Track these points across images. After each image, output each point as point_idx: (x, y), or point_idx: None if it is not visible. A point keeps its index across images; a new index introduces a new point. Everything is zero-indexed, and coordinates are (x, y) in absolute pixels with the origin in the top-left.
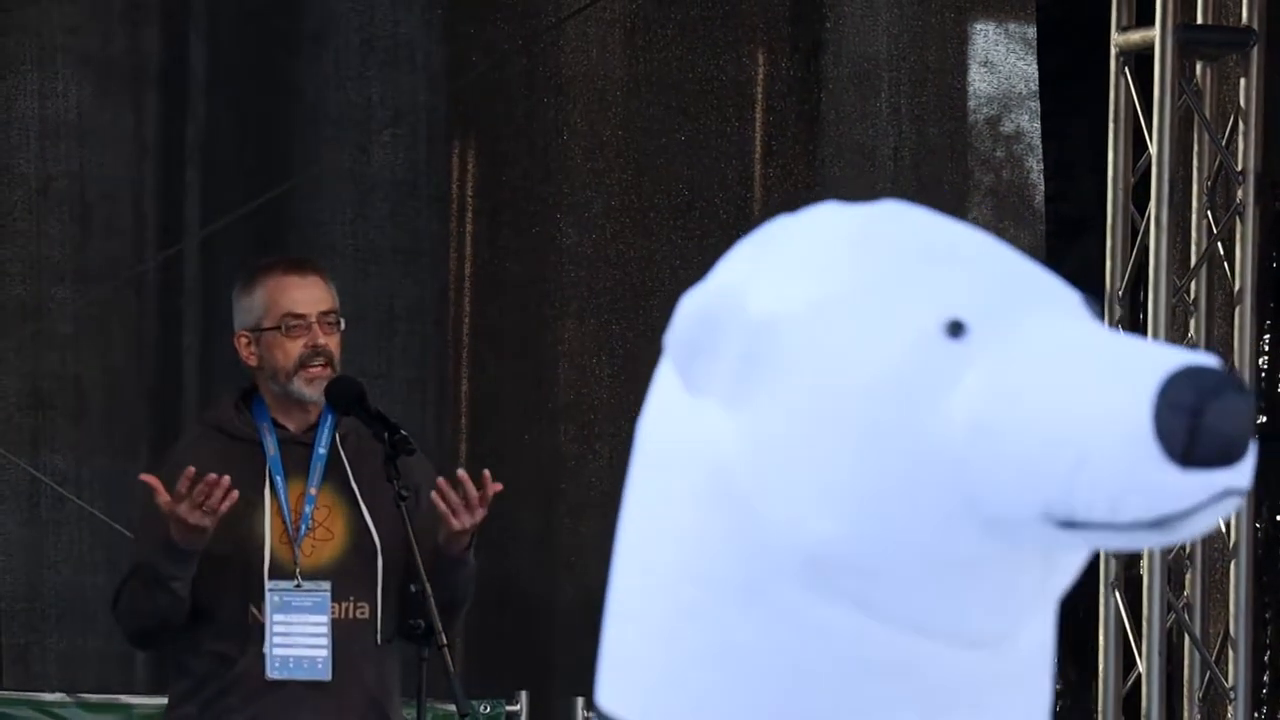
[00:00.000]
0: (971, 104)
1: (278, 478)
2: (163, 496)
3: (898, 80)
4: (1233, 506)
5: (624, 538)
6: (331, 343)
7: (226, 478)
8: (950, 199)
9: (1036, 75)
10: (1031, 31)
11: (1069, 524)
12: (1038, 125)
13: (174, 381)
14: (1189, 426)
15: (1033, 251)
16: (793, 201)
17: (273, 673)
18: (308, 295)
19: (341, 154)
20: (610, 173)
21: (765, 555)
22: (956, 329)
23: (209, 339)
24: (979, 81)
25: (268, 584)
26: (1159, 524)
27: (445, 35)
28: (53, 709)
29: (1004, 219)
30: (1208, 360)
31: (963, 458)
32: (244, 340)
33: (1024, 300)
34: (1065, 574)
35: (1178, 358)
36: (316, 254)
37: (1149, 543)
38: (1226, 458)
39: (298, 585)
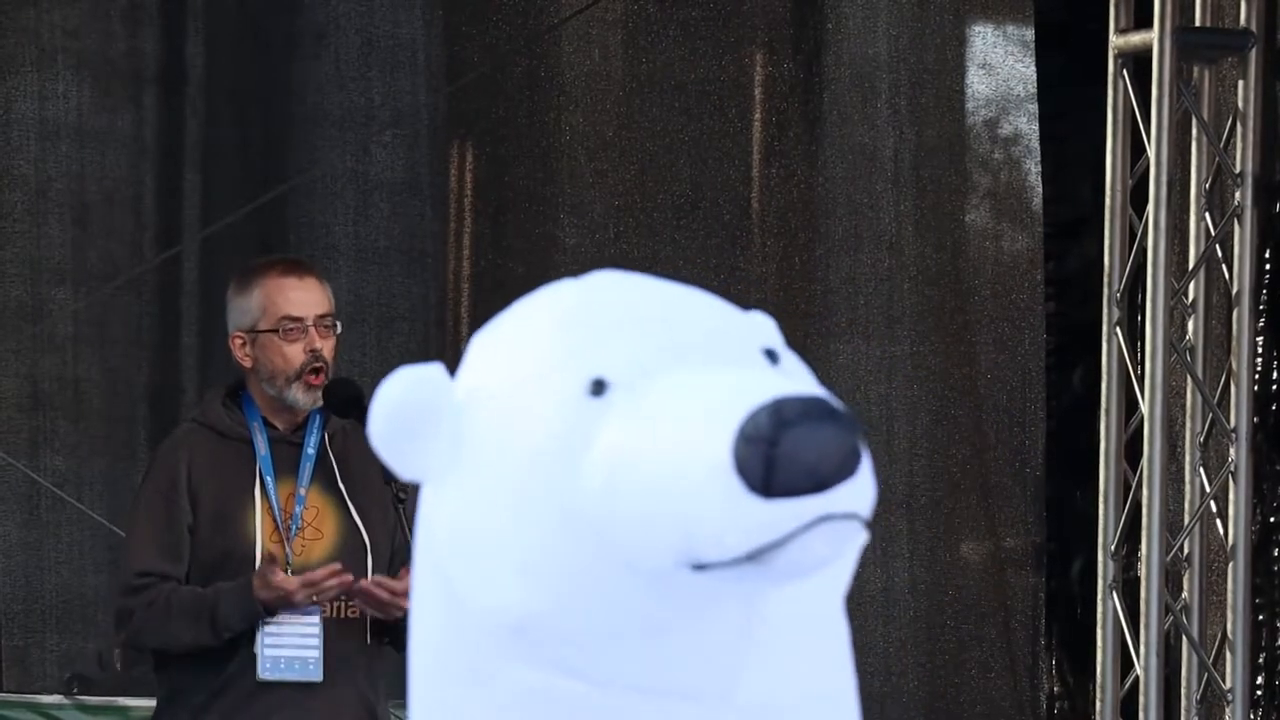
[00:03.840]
0: (969, 106)
1: (268, 478)
2: (278, 577)
3: (898, 82)
4: (850, 532)
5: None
6: (327, 347)
7: (349, 577)
8: (949, 201)
9: (1035, 78)
10: (1030, 34)
11: (700, 567)
12: (1036, 127)
13: (174, 383)
14: (765, 457)
15: (1031, 254)
16: (795, 201)
17: (264, 674)
18: (305, 298)
19: (342, 155)
20: (612, 173)
21: (478, 634)
22: (599, 387)
23: (209, 340)
24: (977, 84)
25: None
26: (756, 556)
27: (446, 36)
28: (51, 711)
29: (1002, 221)
30: (803, 391)
31: (600, 515)
32: (239, 341)
33: (676, 355)
34: (778, 625)
35: (767, 393)
36: (317, 255)
37: (767, 579)
38: (813, 485)
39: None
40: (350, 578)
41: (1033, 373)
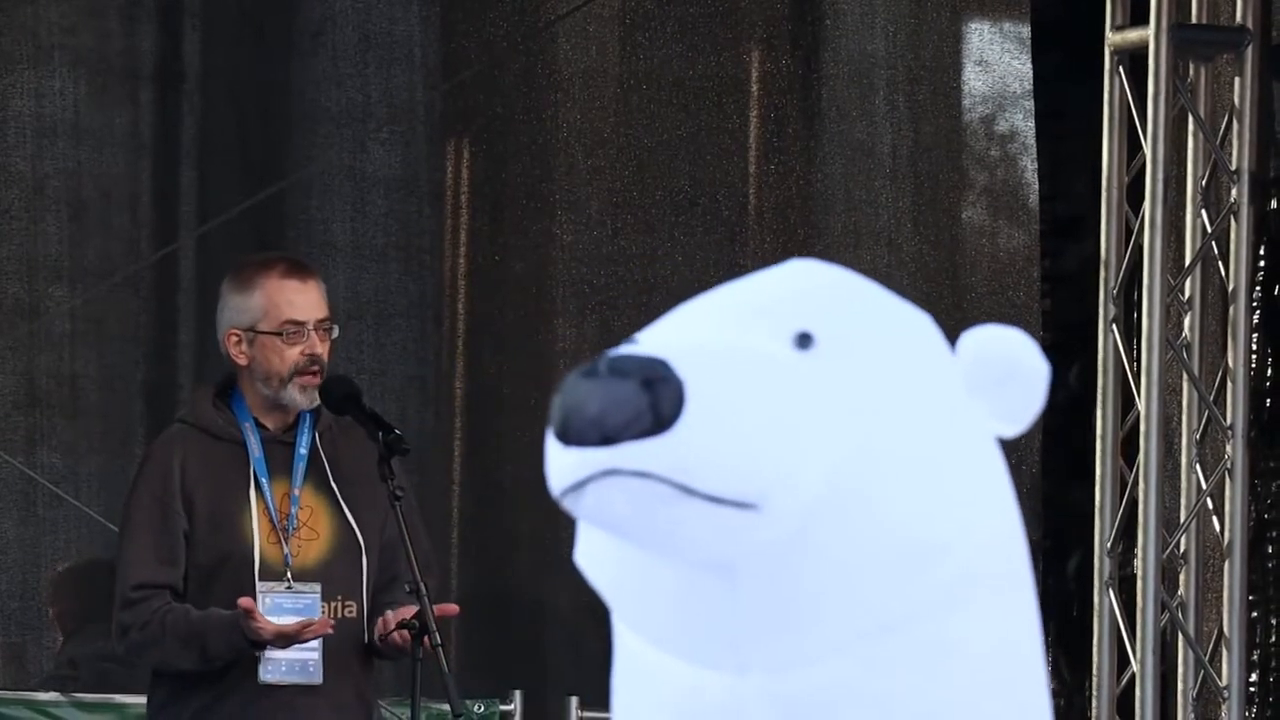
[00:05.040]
0: (966, 103)
1: (263, 479)
2: (260, 622)
3: (895, 78)
4: (647, 491)
5: None
6: (325, 351)
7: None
8: (946, 197)
9: (1031, 74)
10: (1026, 30)
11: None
12: (1032, 124)
13: (170, 380)
14: (564, 406)
15: (1027, 251)
16: (793, 197)
17: (265, 676)
18: (307, 301)
19: (339, 151)
20: (609, 170)
21: None
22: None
23: (206, 337)
24: (974, 80)
25: (258, 585)
26: (565, 496)
27: (443, 32)
28: (47, 708)
29: (998, 218)
30: (632, 352)
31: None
32: (234, 338)
33: (686, 320)
34: (768, 602)
35: (616, 352)
36: (314, 251)
37: (585, 519)
38: (598, 437)
39: (288, 586)
40: (331, 623)
41: None
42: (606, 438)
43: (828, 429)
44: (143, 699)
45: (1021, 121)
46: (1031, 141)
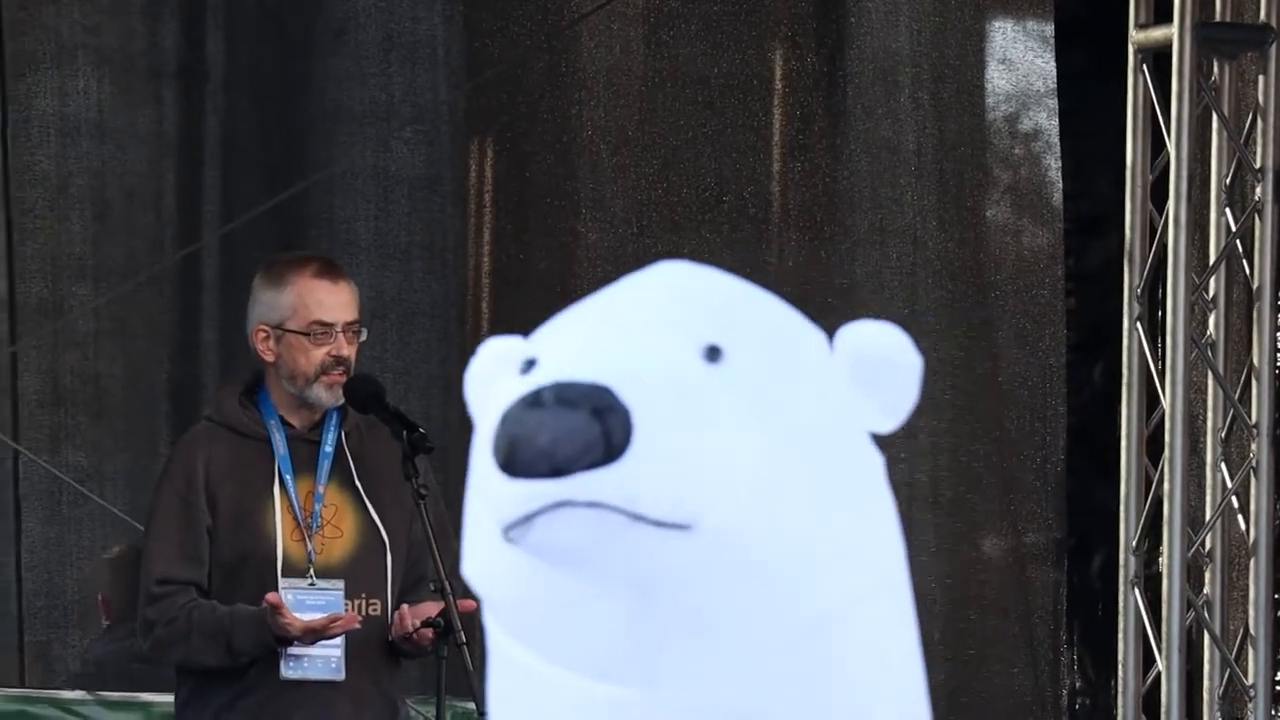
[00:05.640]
0: (990, 101)
1: (287, 476)
2: (287, 618)
3: (919, 76)
4: (599, 521)
5: None
6: (352, 353)
7: (356, 624)
8: (970, 196)
9: (1055, 73)
10: (1049, 29)
11: (506, 538)
12: (1056, 123)
13: (194, 378)
14: (510, 437)
15: (1051, 249)
16: (818, 195)
17: (288, 672)
18: (337, 302)
19: (362, 151)
20: (634, 168)
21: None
22: (529, 365)
23: (230, 336)
24: (997, 79)
25: (281, 583)
26: (508, 532)
27: (466, 31)
28: (73, 707)
29: (1022, 216)
30: (572, 380)
31: (479, 486)
32: (262, 334)
33: (594, 342)
34: (673, 620)
35: (555, 378)
36: (337, 251)
37: (540, 557)
38: (548, 468)
39: (311, 583)
40: (359, 618)
41: (1054, 368)
42: (557, 469)
43: (743, 445)
44: (169, 697)
45: (1045, 120)
46: (1055, 140)
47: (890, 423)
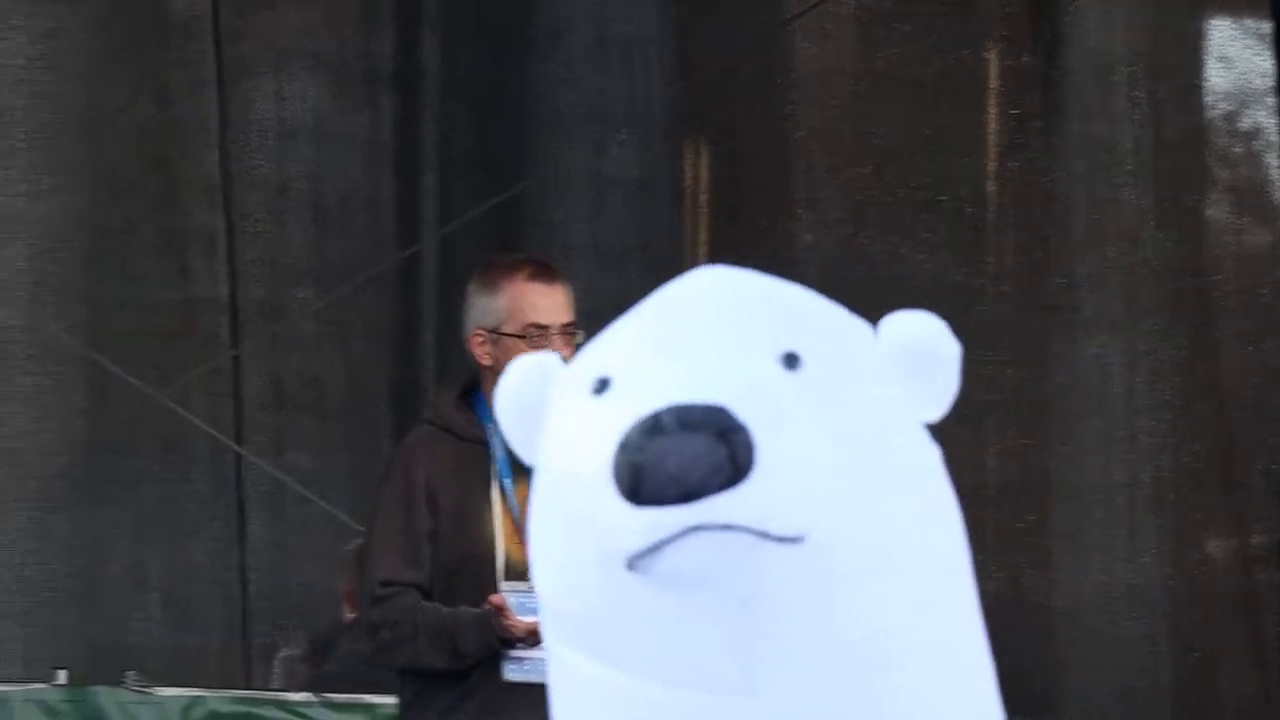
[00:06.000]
0: (1208, 100)
1: (505, 479)
2: (511, 620)
3: (1136, 75)
4: (733, 544)
5: None
6: (568, 355)
7: None
8: (1189, 195)
9: (1274, 71)
10: (1267, 27)
11: (630, 567)
12: (1276, 121)
13: (414, 380)
14: (632, 465)
15: (1273, 248)
16: (1035, 195)
17: (510, 674)
18: (551, 305)
19: (577, 153)
20: (849, 168)
21: (543, 611)
22: (602, 385)
23: (448, 338)
24: (1215, 77)
25: (503, 585)
26: (634, 563)
27: (680, 33)
28: (298, 708)
29: (1243, 215)
30: (694, 401)
31: (563, 508)
32: (479, 339)
33: (671, 353)
34: (811, 633)
35: (666, 400)
36: (553, 253)
37: (667, 585)
38: (679, 494)
39: (532, 586)
40: None
41: (1275, 368)
42: (688, 494)
43: (839, 452)
44: (392, 699)
45: (1265, 118)
46: (1275, 138)
47: (937, 411)
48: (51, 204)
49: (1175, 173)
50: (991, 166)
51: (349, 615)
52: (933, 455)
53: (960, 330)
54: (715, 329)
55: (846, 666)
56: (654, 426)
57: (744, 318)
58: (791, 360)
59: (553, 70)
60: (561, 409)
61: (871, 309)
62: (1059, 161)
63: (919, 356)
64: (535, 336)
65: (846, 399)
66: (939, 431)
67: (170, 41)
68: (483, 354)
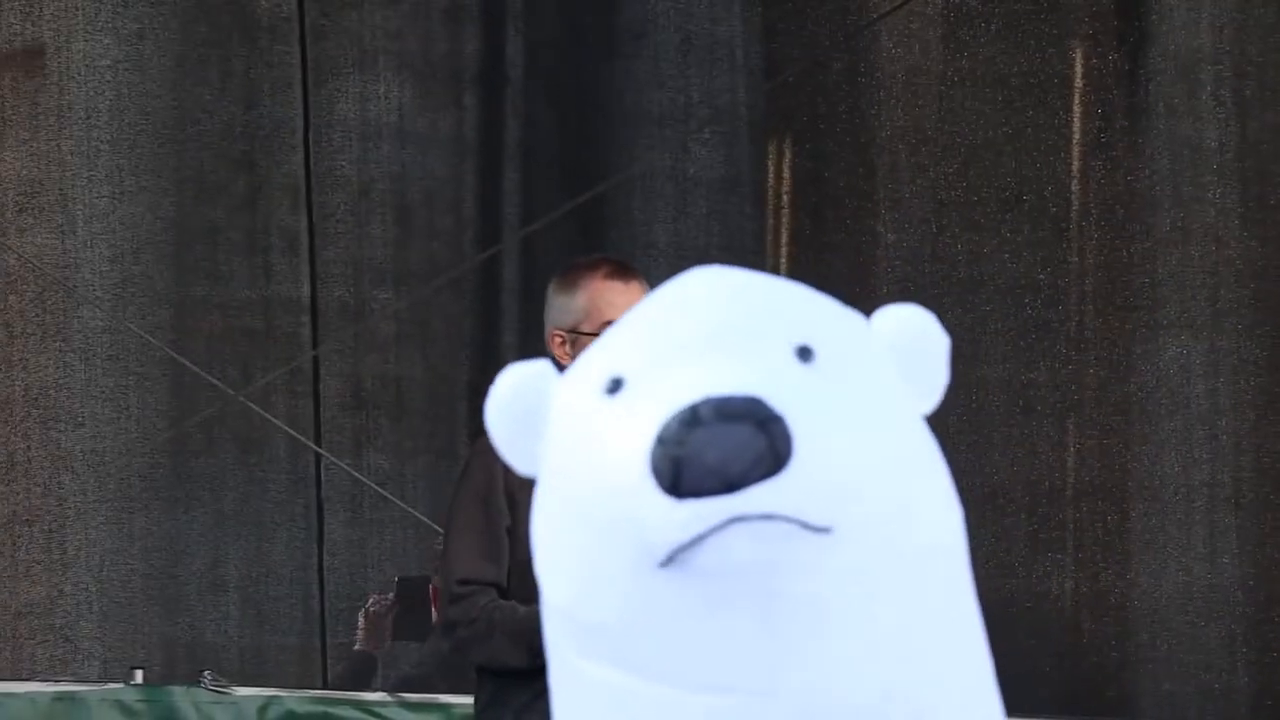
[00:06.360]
0: None
1: None
2: None
3: (1222, 74)
4: (774, 533)
5: None
6: None
7: None
8: (1275, 194)
9: None
10: None
11: (666, 564)
12: None
13: (493, 381)
14: (672, 458)
15: None
16: (1120, 193)
17: None
18: (629, 303)
19: (661, 153)
20: (933, 168)
21: (549, 623)
22: (615, 385)
23: (529, 338)
24: None
25: None
26: (674, 558)
27: (764, 33)
28: (375, 709)
29: None
30: (730, 392)
31: (589, 509)
32: (558, 339)
33: (686, 349)
34: (830, 622)
35: (700, 392)
36: (636, 253)
37: (706, 578)
38: (720, 485)
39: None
40: None
41: None
42: (730, 485)
43: (864, 441)
44: (468, 699)
45: None
46: None
47: (929, 403)
48: (135, 205)
49: (1260, 171)
50: (1076, 165)
51: (435, 614)
52: (933, 442)
53: (1043, 329)
54: (728, 324)
55: (871, 661)
56: (692, 419)
57: (753, 313)
58: (805, 353)
59: (637, 70)
60: (569, 413)
61: (955, 308)
62: (1143, 160)
63: (910, 349)
64: None
65: (862, 390)
66: (1027, 429)
67: (256, 42)
68: (562, 354)
